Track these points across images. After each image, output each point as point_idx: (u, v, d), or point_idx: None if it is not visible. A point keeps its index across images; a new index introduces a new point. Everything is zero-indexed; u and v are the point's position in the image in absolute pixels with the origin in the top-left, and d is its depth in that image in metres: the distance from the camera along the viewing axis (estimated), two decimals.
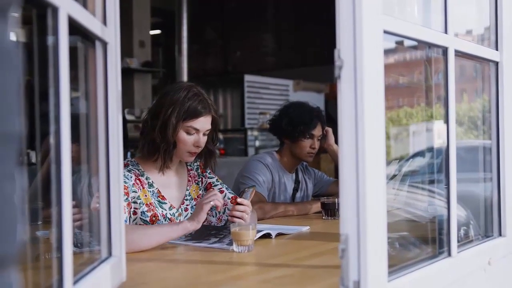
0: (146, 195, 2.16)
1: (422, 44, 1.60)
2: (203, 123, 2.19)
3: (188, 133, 2.18)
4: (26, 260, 1.09)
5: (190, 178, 2.36)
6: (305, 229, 2.31)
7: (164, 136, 2.15)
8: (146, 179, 2.20)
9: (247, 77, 7.98)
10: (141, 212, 2.13)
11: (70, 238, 1.01)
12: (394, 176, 1.99)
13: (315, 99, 6.98)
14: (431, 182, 1.91)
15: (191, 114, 2.16)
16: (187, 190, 2.33)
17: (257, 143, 7.40)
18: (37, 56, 1.03)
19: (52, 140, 1.00)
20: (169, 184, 2.27)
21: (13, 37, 0.56)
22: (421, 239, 1.69)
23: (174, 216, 2.23)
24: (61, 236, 0.99)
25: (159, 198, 2.20)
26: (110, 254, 1.35)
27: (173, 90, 2.18)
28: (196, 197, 2.35)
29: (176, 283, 1.55)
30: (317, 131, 2.95)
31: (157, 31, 10.01)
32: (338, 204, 2.60)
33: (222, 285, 1.48)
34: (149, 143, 2.18)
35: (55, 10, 0.98)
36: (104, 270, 1.26)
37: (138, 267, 1.65)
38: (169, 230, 1.96)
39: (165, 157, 2.19)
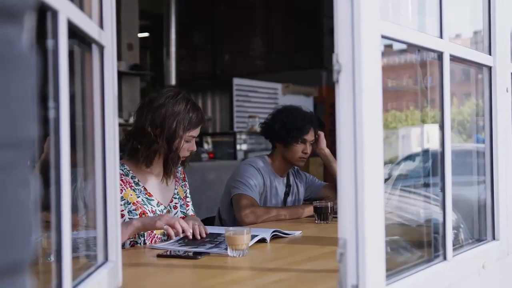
0: (131, 195, 2.19)
1: (411, 48, 1.61)
2: (199, 129, 2.31)
3: (187, 141, 2.27)
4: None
5: (177, 179, 2.44)
6: (298, 233, 2.31)
7: (171, 148, 2.21)
8: (132, 178, 2.24)
9: (236, 81, 7.96)
10: (128, 211, 2.16)
11: (70, 243, 1.00)
12: (386, 180, 2.00)
13: (304, 103, 6.98)
14: (423, 185, 1.92)
15: (194, 125, 2.26)
16: (175, 189, 2.40)
17: (246, 147, 7.39)
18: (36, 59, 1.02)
19: (47, 143, 0.99)
20: (157, 184, 2.32)
21: (27, 42, 0.55)
22: (414, 243, 1.70)
23: (162, 213, 2.28)
24: (61, 242, 0.98)
25: (146, 196, 2.25)
26: (106, 259, 1.34)
27: (170, 101, 2.23)
28: (183, 197, 2.42)
29: None
30: (310, 136, 2.95)
31: (145, 34, 9.98)
32: (330, 208, 2.61)
33: None
34: (153, 154, 2.23)
35: (54, 13, 0.97)
36: (101, 275, 1.25)
37: (134, 272, 1.64)
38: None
39: (173, 167, 2.28)
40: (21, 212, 0.53)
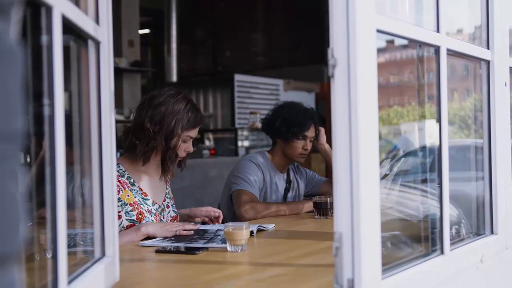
0: (128, 195, 2.21)
1: (412, 43, 1.61)
2: (197, 131, 2.33)
3: (184, 141, 2.28)
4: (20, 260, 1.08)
5: (168, 179, 2.46)
6: (271, 226, 2.33)
7: (168, 146, 2.23)
8: (127, 178, 2.25)
9: (237, 77, 7.96)
10: (125, 212, 2.16)
11: (65, 239, 1.00)
12: (386, 175, 2.00)
13: (306, 99, 6.98)
14: (423, 181, 1.92)
15: (192, 125, 2.27)
16: (167, 189, 2.43)
17: (248, 143, 7.39)
18: (30, 55, 1.02)
19: (45, 141, 1.00)
20: (150, 183, 2.34)
21: (15, 36, 0.55)
22: (413, 238, 1.70)
23: (158, 211, 2.31)
24: (56, 237, 0.98)
25: (142, 195, 2.27)
26: (103, 254, 1.35)
27: (170, 99, 2.25)
28: (171, 197, 2.46)
29: (170, 283, 1.55)
30: (310, 133, 2.95)
31: (146, 31, 9.98)
32: (330, 203, 2.61)
33: (217, 285, 1.48)
34: (151, 150, 2.24)
35: (49, 9, 0.97)
36: (98, 270, 1.25)
37: (131, 267, 1.65)
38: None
39: (170, 165, 2.29)
40: (10, 203, 0.53)
